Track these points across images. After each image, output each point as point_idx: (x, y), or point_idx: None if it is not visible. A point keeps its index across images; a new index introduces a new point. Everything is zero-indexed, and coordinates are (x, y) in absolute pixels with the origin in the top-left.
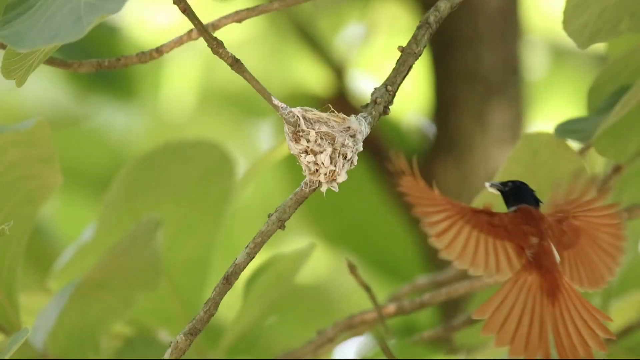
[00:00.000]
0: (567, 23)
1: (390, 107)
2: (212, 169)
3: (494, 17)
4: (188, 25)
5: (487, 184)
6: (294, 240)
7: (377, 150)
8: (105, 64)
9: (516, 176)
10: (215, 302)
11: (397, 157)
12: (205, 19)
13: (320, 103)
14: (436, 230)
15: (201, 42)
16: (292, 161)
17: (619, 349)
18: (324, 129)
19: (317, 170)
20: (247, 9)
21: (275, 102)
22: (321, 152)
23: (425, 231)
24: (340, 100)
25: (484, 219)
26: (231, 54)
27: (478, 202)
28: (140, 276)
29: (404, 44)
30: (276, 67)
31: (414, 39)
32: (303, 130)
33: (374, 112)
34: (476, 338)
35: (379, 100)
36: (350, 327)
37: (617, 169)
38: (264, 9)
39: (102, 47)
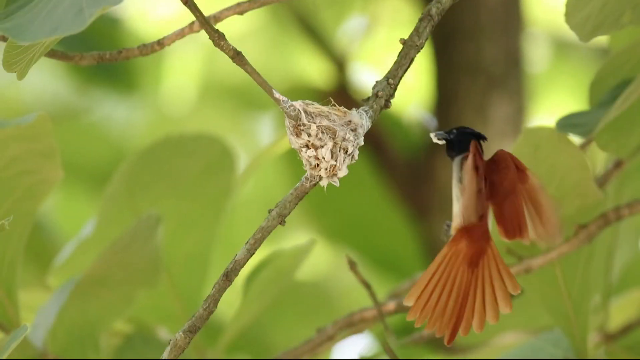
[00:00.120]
0: (569, 16)
1: (391, 100)
2: (213, 163)
3: (496, 10)
4: (189, 17)
5: (431, 135)
6: (294, 236)
7: (378, 144)
8: (106, 57)
9: None
10: (214, 299)
11: None
12: (207, 11)
13: (322, 96)
14: None
15: (202, 35)
16: (292, 155)
17: (618, 348)
18: (325, 122)
19: (318, 164)
20: (249, 1)
21: (277, 95)
22: (322, 147)
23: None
24: (342, 93)
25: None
26: (232, 47)
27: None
28: (140, 273)
29: (406, 37)
30: (277, 59)
31: (416, 31)
32: (304, 124)
33: (375, 106)
34: (476, 337)
35: (380, 93)
36: (350, 325)
37: (618, 164)
38: (265, 1)
39: (104, 39)
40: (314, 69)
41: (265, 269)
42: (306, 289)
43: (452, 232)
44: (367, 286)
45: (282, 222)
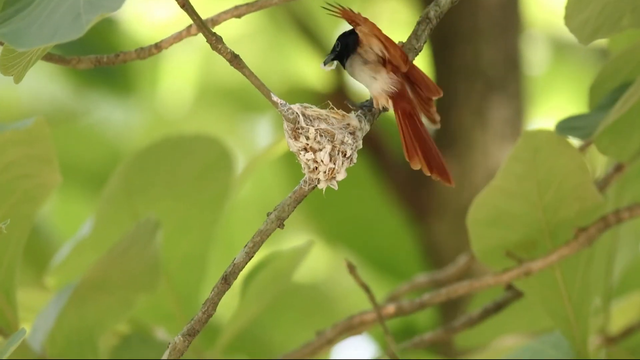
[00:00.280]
0: (568, 18)
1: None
2: (212, 164)
3: (494, 12)
4: (187, 20)
5: (322, 66)
6: (293, 238)
7: (376, 146)
8: (104, 60)
9: (517, 174)
10: (213, 303)
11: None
12: (204, 14)
13: (320, 98)
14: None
15: (199, 37)
16: (290, 158)
17: (619, 350)
18: (323, 126)
19: (316, 168)
20: (247, 4)
21: (275, 98)
22: (320, 150)
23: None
24: (339, 96)
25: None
26: (230, 50)
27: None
28: (139, 278)
29: (404, 39)
30: (275, 61)
31: (414, 34)
32: (302, 128)
33: (373, 109)
34: (477, 340)
35: None
36: (350, 329)
37: (618, 168)
38: (263, 4)
39: (101, 41)
40: (311, 71)
41: (264, 270)
42: (305, 291)
43: (378, 106)
44: (367, 289)
45: (280, 226)
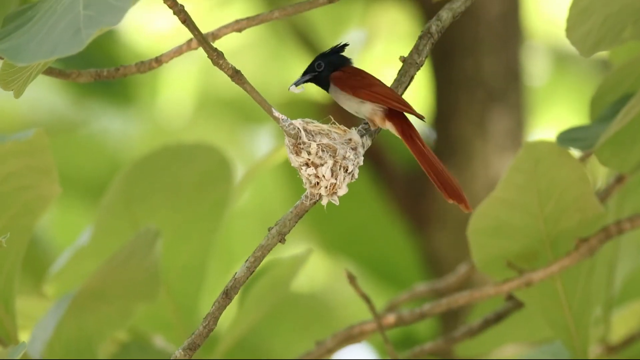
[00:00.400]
0: (570, 31)
1: None
2: (211, 172)
3: (495, 23)
4: (187, 31)
5: (290, 87)
6: (293, 248)
7: (377, 157)
8: (104, 74)
9: (518, 185)
10: (214, 317)
11: None
12: (204, 27)
13: (319, 109)
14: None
15: (199, 49)
16: (290, 168)
17: (620, 359)
18: (325, 140)
19: (318, 183)
20: (247, 18)
21: (276, 114)
22: (322, 165)
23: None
24: (340, 107)
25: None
26: (231, 65)
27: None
28: (138, 288)
29: (404, 50)
30: (275, 72)
31: (416, 49)
32: (304, 143)
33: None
34: (477, 349)
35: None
36: (350, 338)
37: (619, 179)
38: (264, 18)
39: (100, 52)
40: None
41: (262, 278)
42: (305, 300)
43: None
44: (367, 300)
45: (282, 240)
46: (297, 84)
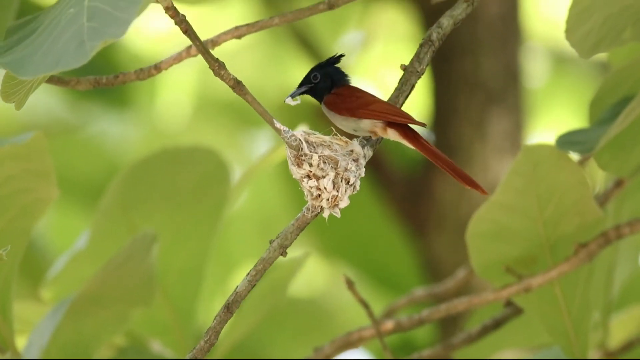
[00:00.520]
0: (569, 32)
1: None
2: (209, 175)
3: (494, 24)
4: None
5: (286, 99)
6: (291, 252)
7: (376, 161)
8: (102, 81)
9: (517, 188)
10: (215, 331)
11: None
12: (202, 28)
13: (317, 111)
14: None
15: (198, 55)
16: (288, 171)
17: None
18: (327, 152)
19: (319, 195)
20: (247, 25)
21: (278, 125)
22: (324, 177)
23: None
24: None
25: None
26: (233, 76)
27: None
28: (135, 292)
29: (402, 50)
30: (273, 73)
31: (417, 57)
32: (305, 154)
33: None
34: (475, 354)
35: None
36: (348, 345)
37: (619, 183)
38: (263, 24)
39: (97, 54)
40: None
41: (260, 282)
42: (303, 305)
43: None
44: (365, 305)
45: (283, 254)
46: (292, 95)
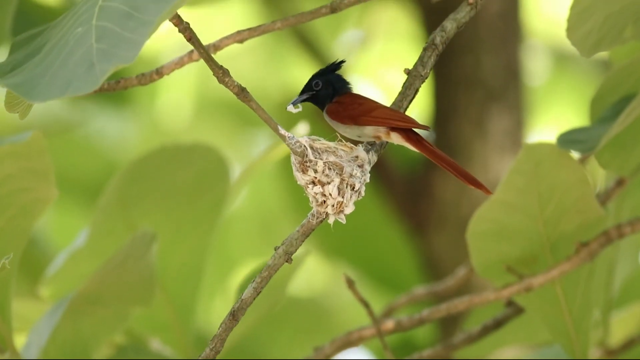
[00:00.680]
0: (570, 31)
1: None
2: (208, 172)
3: (495, 22)
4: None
5: (288, 107)
6: None
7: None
8: (104, 87)
9: (518, 187)
10: (221, 339)
11: None
12: (203, 29)
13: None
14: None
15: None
16: (288, 171)
17: None
18: (332, 158)
19: (324, 201)
20: (249, 29)
21: (282, 131)
22: (329, 183)
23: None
24: None
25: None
26: (237, 83)
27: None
28: (134, 291)
29: (402, 49)
30: (273, 71)
31: (420, 61)
32: (310, 161)
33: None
34: (476, 352)
35: None
36: (348, 344)
37: (620, 182)
38: (266, 28)
39: None
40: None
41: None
42: (303, 304)
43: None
44: (366, 305)
45: (288, 260)
46: (294, 103)
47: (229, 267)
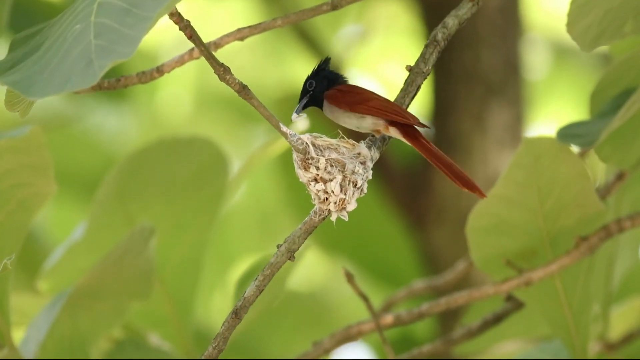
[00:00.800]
0: (571, 25)
1: None
2: (207, 166)
3: (494, 16)
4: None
5: (293, 117)
6: None
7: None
8: (104, 85)
9: (518, 181)
10: (224, 337)
11: None
12: (201, 24)
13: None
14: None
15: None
16: (287, 166)
17: (619, 356)
18: (334, 155)
19: (326, 198)
20: (250, 27)
21: (284, 129)
22: (331, 180)
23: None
24: None
25: None
26: (238, 80)
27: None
28: (133, 286)
29: (402, 43)
30: (273, 66)
31: (422, 57)
32: (312, 158)
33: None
34: (475, 346)
35: None
36: (348, 339)
37: (620, 176)
38: (266, 26)
39: None
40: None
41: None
42: (303, 299)
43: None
44: (365, 299)
45: (291, 258)
46: (297, 112)
47: (228, 262)
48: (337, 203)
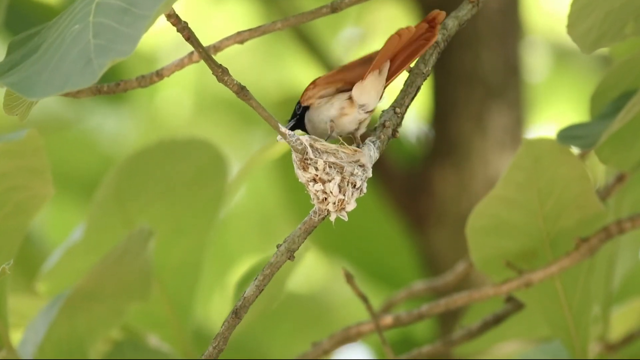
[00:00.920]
0: (571, 27)
1: (399, 129)
2: (206, 168)
3: (494, 17)
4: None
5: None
6: None
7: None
8: (104, 89)
9: (518, 183)
10: (224, 337)
11: None
12: (199, 25)
13: None
14: None
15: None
16: (286, 168)
17: (620, 357)
18: (332, 159)
19: (325, 199)
20: (250, 30)
21: (283, 129)
22: (330, 181)
23: None
24: None
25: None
26: (237, 82)
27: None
28: (131, 287)
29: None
30: (272, 69)
31: (422, 58)
32: (311, 159)
33: (382, 136)
34: (475, 347)
35: (387, 123)
36: (347, 339)
37: (620, 178)
38: (266, 29)
39: None
40: (308, 78)
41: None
42: (302, 301)
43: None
44: (364, 299)
45: (291, 258)
46: (287, 127)
47: (227, 264)
48: (336, 203)
